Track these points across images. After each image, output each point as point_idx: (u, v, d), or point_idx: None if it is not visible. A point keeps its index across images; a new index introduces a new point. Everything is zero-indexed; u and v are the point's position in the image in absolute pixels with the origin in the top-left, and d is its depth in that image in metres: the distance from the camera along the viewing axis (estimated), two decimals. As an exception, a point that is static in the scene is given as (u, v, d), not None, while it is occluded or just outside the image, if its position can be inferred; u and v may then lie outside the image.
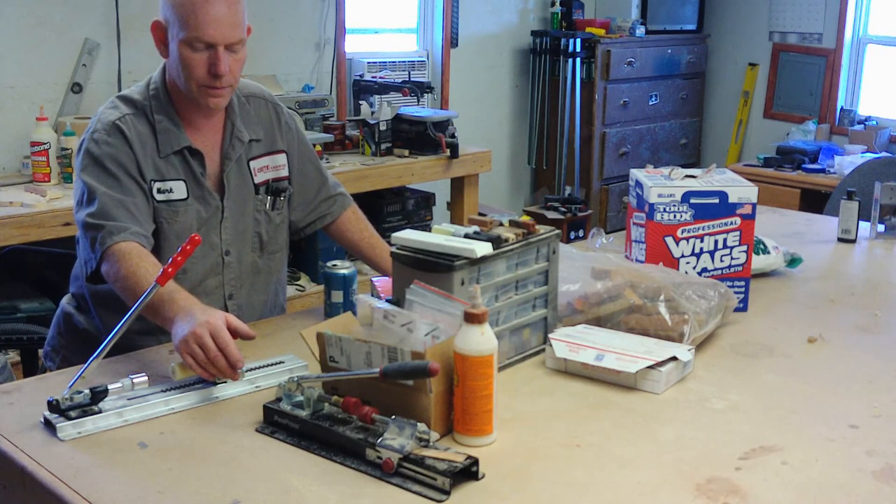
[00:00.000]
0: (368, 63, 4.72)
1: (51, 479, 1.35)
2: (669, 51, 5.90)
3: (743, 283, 2.08)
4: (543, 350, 1.80)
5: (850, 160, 4.94)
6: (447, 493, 1.30)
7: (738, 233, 2.05)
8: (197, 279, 1.99)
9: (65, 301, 2.13)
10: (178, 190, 1.94)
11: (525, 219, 1.82)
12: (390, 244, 1.75)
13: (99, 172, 1.88)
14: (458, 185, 4.45)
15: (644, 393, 1.65)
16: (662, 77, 5.89)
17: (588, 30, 5.52)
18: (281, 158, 2.10)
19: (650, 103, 5.86)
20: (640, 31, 5.71)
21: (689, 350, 1.74)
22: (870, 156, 4.96)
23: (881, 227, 2.78)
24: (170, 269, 1.32)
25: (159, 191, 1.92)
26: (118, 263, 1.78)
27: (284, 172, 2.11)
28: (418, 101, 4.46)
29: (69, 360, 2.02)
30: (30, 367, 2.71)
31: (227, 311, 1.99)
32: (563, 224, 5.22)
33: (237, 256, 2.04)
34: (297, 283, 3.99)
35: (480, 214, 1.86)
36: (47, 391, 1.64)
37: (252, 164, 2.05)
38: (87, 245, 1.88)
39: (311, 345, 1.57)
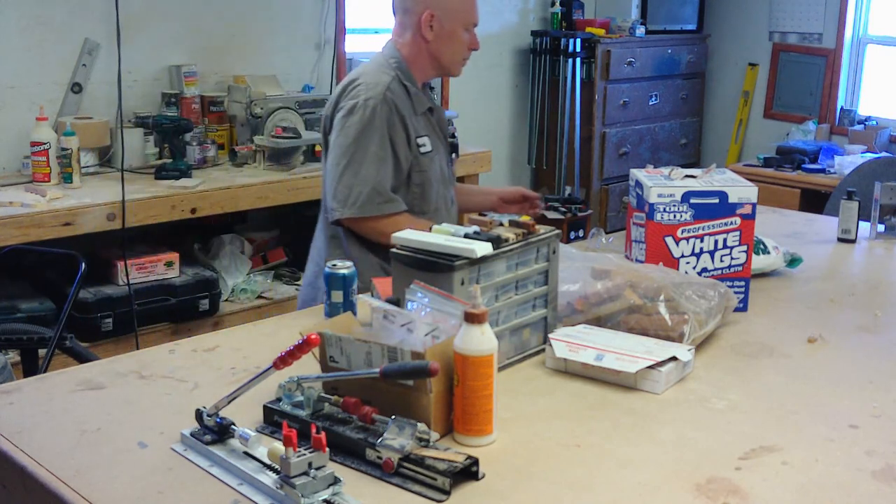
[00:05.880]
0: (368, 63, 4.71)
1: (51, 479, 1.34)
2: (669, 51, 5.90)
3: (743, 283, 2.08)
4: (543, 350, 1.80)
5: (850, 160, 4.94)
6: (447, 493, 1.30)
7: (738, 233, 2.05)
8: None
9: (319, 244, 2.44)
10: (428, 143, 2.35)
11: (525, 219, 1.81)
12: (390, 245, 1.75)
13: (372, 138, 2.23)
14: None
15: (644, 393, 1.65)
16: (662, 77, 5.89)
17: (588, 30, 5.52)
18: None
19: (650, 103, 5.85)
20: (640, 31, 5.71)
21: (689, 350, 1.73)
22: (870, 156, 4.96)
23: (881, 227, 2.77)
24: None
25: (420, 144, 2.31)
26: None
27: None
28: (418, 101, 4.45)
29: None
30: (30, 367, 2.70)
31: None
32: (563, 224, 5.21)
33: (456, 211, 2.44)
34: (297, 282, 3.98)
35: (480, 214, 1.86)
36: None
37: None
38: (345, 196, 2.22)
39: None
